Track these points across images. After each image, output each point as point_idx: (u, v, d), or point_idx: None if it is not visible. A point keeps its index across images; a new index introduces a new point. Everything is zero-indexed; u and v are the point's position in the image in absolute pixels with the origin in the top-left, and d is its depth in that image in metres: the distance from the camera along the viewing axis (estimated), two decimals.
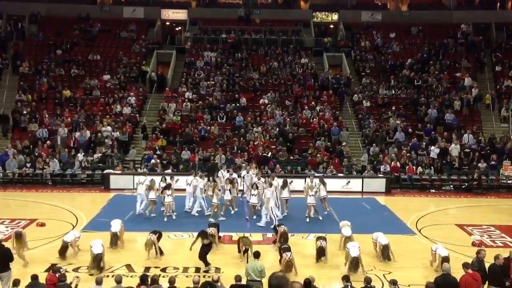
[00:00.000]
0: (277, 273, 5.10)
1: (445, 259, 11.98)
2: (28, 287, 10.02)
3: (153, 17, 37.70)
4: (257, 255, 11.92)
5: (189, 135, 27.52)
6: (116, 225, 14.88)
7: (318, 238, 14.21)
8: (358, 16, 38.39)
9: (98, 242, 13.06)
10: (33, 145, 26.48)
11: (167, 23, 39.54)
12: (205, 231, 13.75)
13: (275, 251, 14.34)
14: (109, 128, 27.42)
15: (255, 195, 17.87)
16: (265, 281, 10.68)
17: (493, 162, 25.79)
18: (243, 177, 21.00)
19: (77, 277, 10.88)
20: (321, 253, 13.85)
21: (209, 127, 28.22)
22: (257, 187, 18.06)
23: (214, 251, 14.18)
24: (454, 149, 26.49)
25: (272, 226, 15.73)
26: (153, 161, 24.89)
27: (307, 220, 17.93)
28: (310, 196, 18.03)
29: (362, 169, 25.65)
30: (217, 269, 13.20)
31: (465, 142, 27.29)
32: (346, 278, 10.60)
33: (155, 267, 13.28)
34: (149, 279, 10.37)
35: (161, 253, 14.04)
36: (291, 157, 26.40)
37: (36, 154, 25.48)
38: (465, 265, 10.40)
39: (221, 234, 15.72)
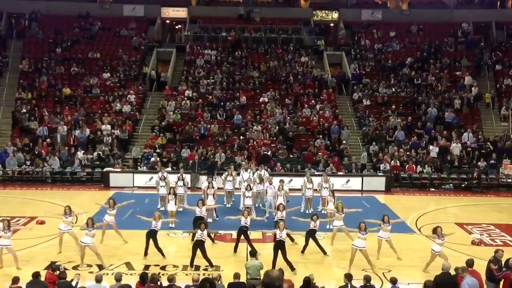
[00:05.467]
0: (270, 272, 5.09)
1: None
2: (29, 285, 10.00)
3: (153, 15, 37.69)
4: (253, 253, 11.91)
5: (189, 133, 27.53)
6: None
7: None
8: (358, 14, 38.38)
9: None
10: (33, 143, 26.49)
11: (167, 21, 39.52)
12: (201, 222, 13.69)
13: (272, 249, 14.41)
14: (108, 126, 27.43)
15: (249, 197, 17.68)
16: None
17: (493, 161, 25.80)
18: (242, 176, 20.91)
19: (78, 274, 10.88)
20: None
21: (209, 126, 28.23)
22: (251, 189, 18.02)
23: (213, 249, 14.21)
24: (456, 148, 26.51)
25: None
26: (152, 159, 24.90)
27: (324, 212, 17.96)
28: (324, 189, 18.40)
29: (362, 168, 25.67)
30: (217, 267, 13.21)
31: (465, 141, 27.30)
32: (348, 277, 10.50)
33: (155, 265, 13.31)
34: (149, 277, 10.37)
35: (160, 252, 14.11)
36: (291, 156, 26.42)
37: (36, 152, 25.50)
38: (468, 264, 10.37)
39: (221, 232, 15.74)
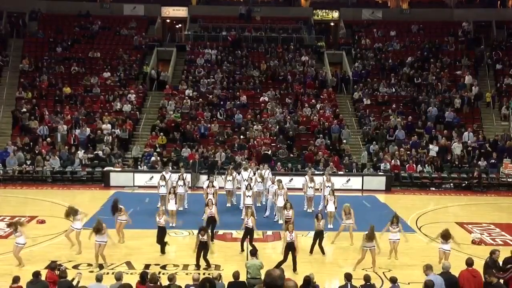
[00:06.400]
0: (271, 271, 5.08)
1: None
2: (30, 284, 10.00)
3: (154, 14, 37.74)
4: (253, 252, 11.88)
5: (189, 132, 27.53)
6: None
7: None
8: (358, 14, 38.41)
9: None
10: (33, 142, 26.49)
11: (168, 21, 39.54)
12: (203, 227, 13.71)
13: (273, 249, 14.37)
14: (109, 125, 27.43)
15: (249, 196, 17.64)
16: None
17: (493, 160, 25.79)
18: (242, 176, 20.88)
19: (80, 273, 10.89)
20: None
21: (209, 125, 28.23)
22: (251, 188, 18.01)
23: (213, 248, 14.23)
24: (457, 147, 26.51)
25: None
26: (153, 158, 24.90)
27: (325, 211, 18.00)
28: (327, 187, 18.42)
29: (362, 167, 25.67)
30: (217, 267, 13.21)
31: (466, 140, 27.30)
32: (347, 277, 10.48)
33: (155, 265, 13.30)
34: (149, 277, 10.36)
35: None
36: (291, 155, 26.41)
37: (36, 152, 25.50)
38: (468, 263, 10.37)
39: (221, 232, 15.74)
